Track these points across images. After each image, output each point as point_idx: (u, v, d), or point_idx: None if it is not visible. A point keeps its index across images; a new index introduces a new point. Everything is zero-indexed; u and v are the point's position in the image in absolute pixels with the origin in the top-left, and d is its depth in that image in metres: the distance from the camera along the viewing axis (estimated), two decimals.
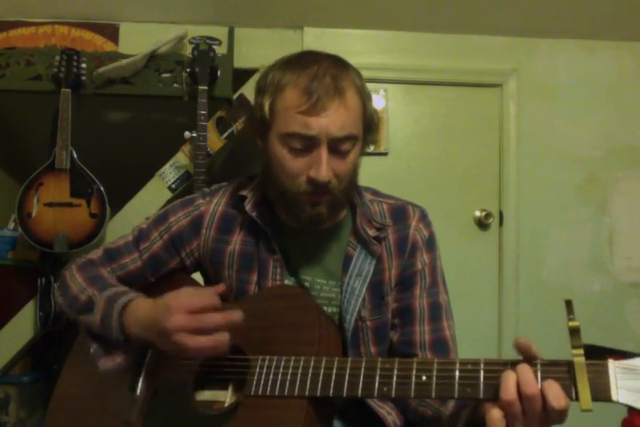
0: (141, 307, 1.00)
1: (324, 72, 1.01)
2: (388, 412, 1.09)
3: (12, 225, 2.69)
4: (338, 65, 1.05)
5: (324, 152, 1.01)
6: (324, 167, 1.00)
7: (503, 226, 2.60)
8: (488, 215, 2.59)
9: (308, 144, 1.01)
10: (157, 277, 1.19)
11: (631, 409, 0.72)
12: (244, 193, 1.15)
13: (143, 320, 0.97)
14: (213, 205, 1.18)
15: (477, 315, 2.54)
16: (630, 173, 2.68)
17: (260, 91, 1.08)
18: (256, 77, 1.14)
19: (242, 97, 2.51)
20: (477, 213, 2.61)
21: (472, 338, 2.32)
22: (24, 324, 2.39)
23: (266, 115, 1.04)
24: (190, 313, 0.89)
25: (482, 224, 2.61)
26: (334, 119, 1.00)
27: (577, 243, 2.63)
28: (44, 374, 2.55)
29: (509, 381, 0.76)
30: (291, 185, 1.04)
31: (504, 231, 2.60)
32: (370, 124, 1.09)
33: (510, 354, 0.81)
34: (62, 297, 1.16)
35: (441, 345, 1.10)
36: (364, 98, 1.06)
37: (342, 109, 1.01)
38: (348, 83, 1.03)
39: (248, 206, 1.13)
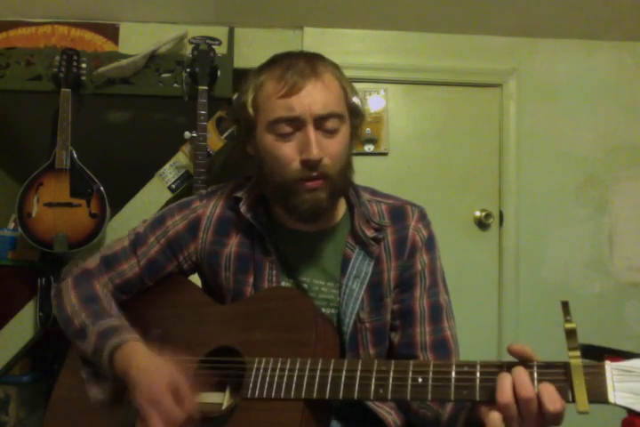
0: (130, 359, 0.99)
1: (297, 60, 1.04)
2: (387, 412, 1.09)
3: (12, 225, 2.69)
4: (312, 55, 1.08)
5: (310, 132, 1.01)
6: (313, 146, 1.00)
7: (503, 226, 2.60)
8: (488, 215, 2.59)
9: (295, 127, 1.02)
10: (155, 281, 1.18)
11: (629, 411, 0.72)
12: (238, 195, 1.14)
13: (128, 372, 0.97)
14: (210, 207, 1.17)
15: (477, 315, 2.54)
16: (631, 172, 2.68)
17: (241, 95, 1.09)
18: None
19: None
20: (477, 213, 2.61)
21: (472, 338, 2.31)
22: (24, 324, 2.39)
23: (250, 112, 1.06)
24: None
25: (482, 224, 2.61)
26: (314, 97, 1.01)
27: (577, 243, 2.63)
28: (44, 374, 2.55)
29: (505, 383, 0.76)
30: (286, 173, 1.03)
31: (504, 231, 2.60)
32: (355, 111, 1.09)
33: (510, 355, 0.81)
34: (57, 310, 1.16)
35: (442, 346, 1.09)
36: (344, 84, 1.07)
37: (320, 87, 1.02)
38: (323, 68, 1.05)
39: (243, 208, 1.12)
